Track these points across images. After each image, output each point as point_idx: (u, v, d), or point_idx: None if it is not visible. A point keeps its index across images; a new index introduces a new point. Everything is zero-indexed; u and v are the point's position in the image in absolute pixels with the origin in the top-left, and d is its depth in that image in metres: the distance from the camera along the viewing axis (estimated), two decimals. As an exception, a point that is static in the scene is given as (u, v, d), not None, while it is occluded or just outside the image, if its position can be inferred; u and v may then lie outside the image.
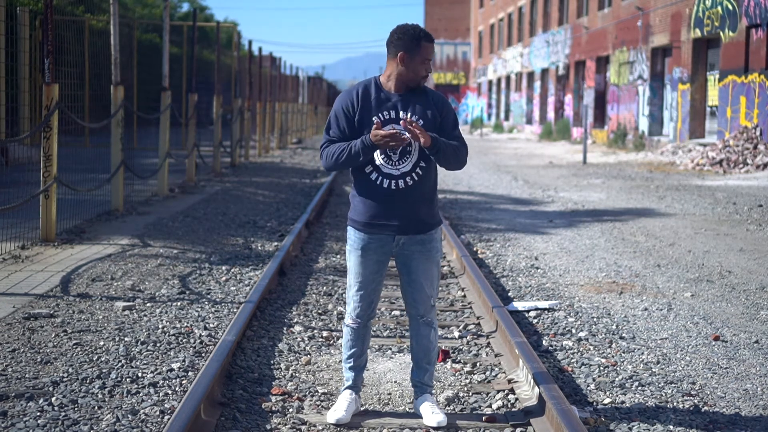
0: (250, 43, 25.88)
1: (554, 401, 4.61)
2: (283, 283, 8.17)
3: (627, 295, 7.93)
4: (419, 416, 4.81)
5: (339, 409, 4.76)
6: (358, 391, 4.92)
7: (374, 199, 4.70)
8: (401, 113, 4.65)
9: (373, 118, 4.63)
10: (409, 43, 4.61)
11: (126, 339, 6.00)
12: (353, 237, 4.79)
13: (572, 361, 5.94)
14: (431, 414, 4.73)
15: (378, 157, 4.66)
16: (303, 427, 4.70)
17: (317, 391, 5.25)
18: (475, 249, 10.31)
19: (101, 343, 5.90)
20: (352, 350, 4.88)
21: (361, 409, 4.94)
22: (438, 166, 4.80)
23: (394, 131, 4.53)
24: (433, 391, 5.06)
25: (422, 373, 4.91)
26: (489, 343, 6.31)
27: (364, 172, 4.70)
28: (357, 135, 4.66)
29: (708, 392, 5.34)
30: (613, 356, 6.03)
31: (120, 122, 11.87)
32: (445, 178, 19.62)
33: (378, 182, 4.68)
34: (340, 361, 5.30)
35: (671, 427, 4.77)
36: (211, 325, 6.47)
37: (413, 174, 4.66)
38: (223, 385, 5.17)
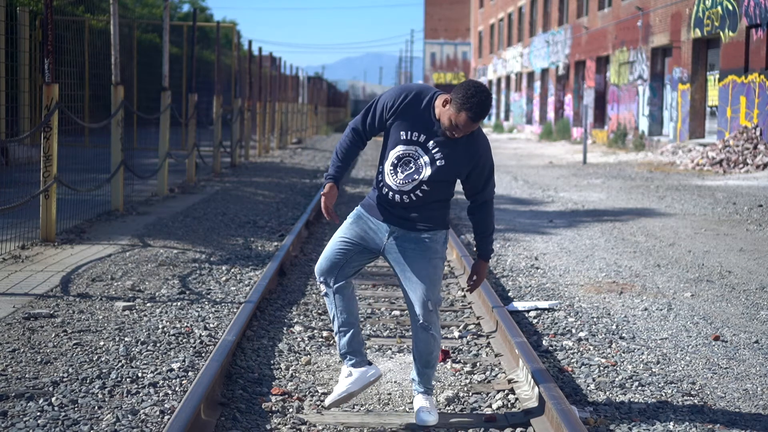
0: (250, 43, 25.88)
1: (554, 401, 4.61)
2: (283, 283, 8.17)
3: (627, 295, 7.93)
4: (419, 416, 4.81)
5: (339, 388, 4.81)
6: (361, 362, 4.84)
7: (381, 200, 4.82)
8: (429, 143, 4.64)
9: (401, 133, 4.65)
10: (458, 101, 4.50)
11: (126, 339, 6.00)
12: (354, 213, 4.91)
13: (572, 361, 5.94)
14: (425, 413, 4.74)
15: (387, 172, 4.74)
16: (303, 427, 4.70)
17: (317, 391, 5.25)
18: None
19: (101, 343, 5.90)
20: (333, 316, 4.88)
21: (363, 407, 4.94)
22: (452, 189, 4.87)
23: (333, 215, 4.77)
24: (433, 392, 5.06)
25: (420, 375, 4.92)
26: (489, 343, 6.31)
27: (378, 180, 4.82)
28: (376, 132, 4.80)
29: (708, 392, 5.34)
30: (613, 356, 6.03)
31: (120, 122, 11.87)
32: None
33: (384, 192, 4.78)
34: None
35: (671, 427, 4.77)
36: (211, 325, 6.47)
37: (412, 195, 4.73)
38: (223, 385, 5.17)
